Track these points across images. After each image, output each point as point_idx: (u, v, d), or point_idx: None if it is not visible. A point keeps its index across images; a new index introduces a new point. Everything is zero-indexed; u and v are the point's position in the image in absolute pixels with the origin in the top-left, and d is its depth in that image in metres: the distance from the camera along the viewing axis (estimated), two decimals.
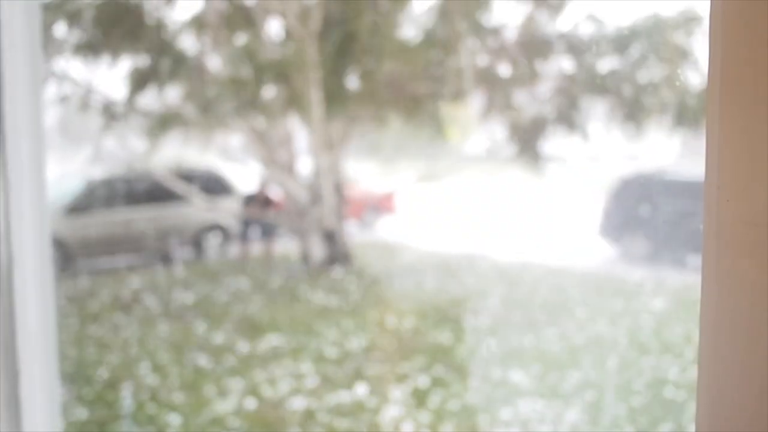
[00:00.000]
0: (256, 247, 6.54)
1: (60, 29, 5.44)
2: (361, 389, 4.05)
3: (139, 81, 5.67)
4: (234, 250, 6.54)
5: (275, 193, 6.46)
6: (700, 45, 4.53)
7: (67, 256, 5.73)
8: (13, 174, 1.53)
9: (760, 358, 0.59)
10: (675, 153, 5.47)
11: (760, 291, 0.59)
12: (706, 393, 0.63)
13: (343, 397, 3.99)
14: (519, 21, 5.24)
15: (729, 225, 0.60)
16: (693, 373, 3.70)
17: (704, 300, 0.63)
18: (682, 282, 4.66)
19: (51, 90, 5.55)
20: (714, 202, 0.61)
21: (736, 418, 0.62)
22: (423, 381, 4.07)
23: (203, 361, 4.46)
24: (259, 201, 6.45)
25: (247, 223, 6.46)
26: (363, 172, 6.69)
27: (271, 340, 4.69)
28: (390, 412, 3.84)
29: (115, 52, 5.59)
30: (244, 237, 6.50)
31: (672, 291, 4.72)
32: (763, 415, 0.60)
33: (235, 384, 4.15)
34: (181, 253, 6.25)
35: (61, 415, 1.69)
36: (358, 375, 4.22)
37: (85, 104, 5.80)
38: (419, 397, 3.92)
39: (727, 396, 0.62)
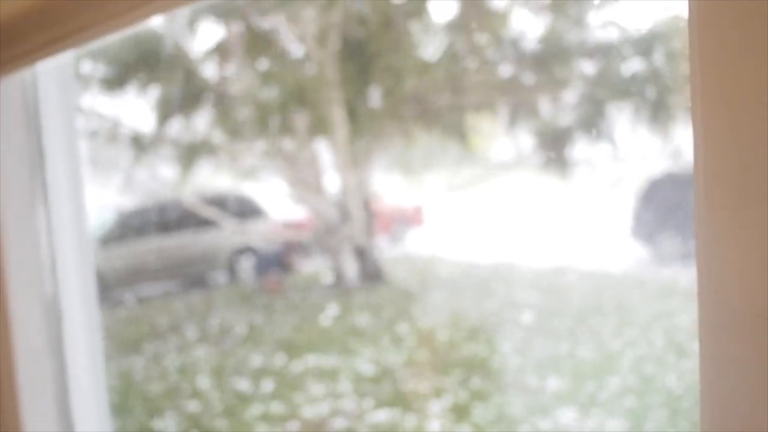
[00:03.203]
0: (289, 269, 6.56)
1: (86, 66, 5.56)
2: (399, 406, 4.05)
3: (166, 111, 5.76)
4: (267, 272, 6.58)
5: (304, 213, 6.50)
6: None
7: (103, 287, 5.81)
8: (55, 207, 1.57)
9: (759, 356, 0.59)
10: None
11: (754, 284, 0.59)
12: (708, 395, 0.63)
13: (382, 415, 3.99)
14: (539, 29, 5.25)
15: (718, 215, 0.61)
16: None
17: (701, 297, 0.63)
18: None
19: (80, 124, 5.66)
20: (702, 193, 0.62)
21: (738, 419, 0.62)
22: (462, 395, 4.06)
23: (243, 385, 4.49)
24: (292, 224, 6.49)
25: (276, 245, 6.50)
26: (390, 187, 6.70)
27: (308, 361, 4.71)
28: (430, 427, 3.83)
29: (141, 84, 5.69)
30: (276, 259, 6.54)
31: None
32: (763, 413, 0.60)
33: (276, 407, 4.17)
34: (215, 277, 6.31)
35: None
36: (396, 392, 4.22)
37: (113, 137, 5.90)
38: (458, 411, 3.91)
39: (729, 398, 0.62)
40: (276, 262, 6.37)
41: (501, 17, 5.31)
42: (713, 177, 0.60)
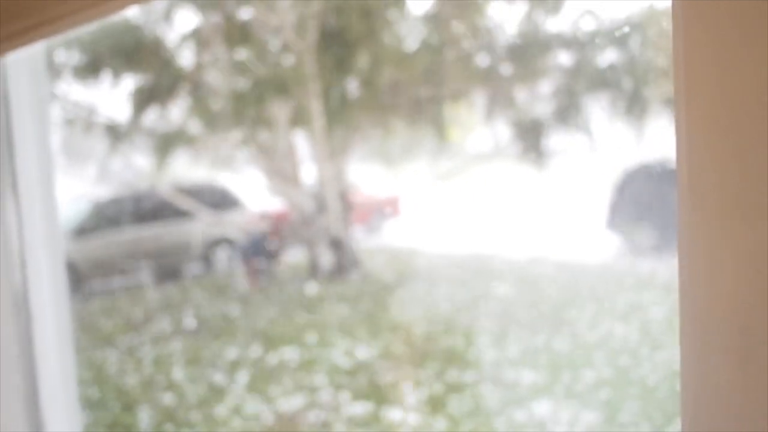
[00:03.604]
0: (273, 258, 6.53)
1: (60, 54, 5.48)
2: (375, 398, 4.05)
3: (142, 100, 5.70)
4: (250, 260, 6.55)
5: (280, 204, 6.47)
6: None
7: (76, 278, 5.75)
8: (25, 199, 1.54)
9: (741, 369, 0.59)
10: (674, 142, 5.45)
11: (735, 280, 0.59)
12: (690, 388, 0.63)
13: (358, 407, 3.99)
14: (516, 20, 5.25)
15: (701, 214, 0.60)
16: None
17: (682, 290, 0.63)
18: None
19: (54, 113, 5.58)
20: (686, 190, 0.61)
21: (719, 413, 0.62)
22: (437, 387, 4.07)
23: (218, 377, 4.47)
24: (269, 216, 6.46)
25: (254, 236, 6.46)
26: (367, 177, 6.69)
27: (284, 353, 4.69)
28: (407, 419, 3.84)
29: (116, 72, 5.62)
30: (252, 250, 6.51)
31: None
32: (745, 404, 0.60)
33: (251, 399, 4.15)
34: (190, 268, 6.26)
35: None
36: (372, 384, 4.22)
37: (88, 126, 5.83)
38: (434, 403, 3.92)
39: (709, 409, 0.62)
40: (260, 251, 6.32)
41: (478, 7, 5.31)
42: (697, 179, 0.60)
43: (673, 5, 0.61)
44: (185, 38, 5.68)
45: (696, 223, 0.60)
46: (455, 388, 4.04)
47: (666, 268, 4.88)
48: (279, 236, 6.32)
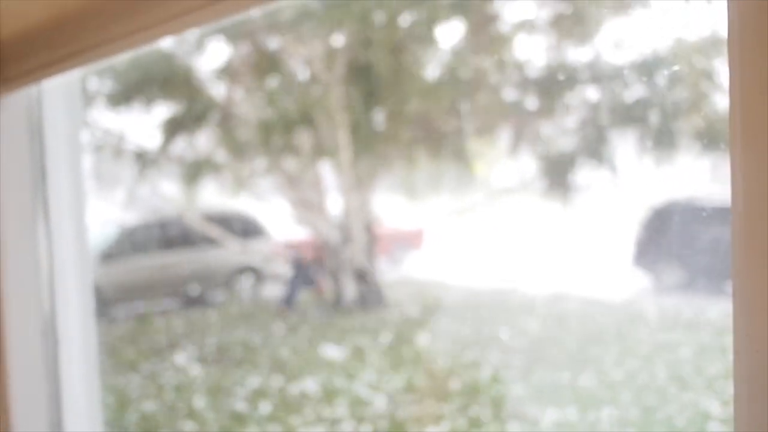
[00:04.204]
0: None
1: (93, 81, 5.58)
2: (397, 431, 4.01)
3: (172, 128, 5.78)
4: (266, 292, 6.56)
5: (305, 234, 6.49)
6: (724, 69, 4.51)
7: (102, 302, 5.79)
8: (56, 223, 1.56)
9: None
10: (704, 179, 5.41)
11: None
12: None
13: None
14: (543, 53, 5.26)
15: (755, 246, 0.59)
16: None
17: (737, 333, 0.62)
18: (719, 310, 4.57)
19: (85, 138, 5.67)
20: (741, 232, 0.60)
21: None
22: (460, 422, 4.03)
23: (240, 405, 4.46)
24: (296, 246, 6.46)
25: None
26: (391, 209, 6.70)
27: (307, 384, 4.67)
28: None
29: (148, 100, 5.72)
30: (277, 279, 6.52)
31: (709, 320, 4.63)
32: None
33: (273, 428, 4.13)
34: (215, 296, 6.28)
35: None
36: (394, 417, 4.18)
37: (118, 152, 5.92)
38: None
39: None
40: (307, 279, 6.31)
41: (505, 41, 5.33)
42: (752, 222, 0.59)
43: (729, 40, 0.60)
44: (216, 68, 5.76)
45: (751, 267, 0.59)
46: (478, 424, 4.00)
47: (691, 307, 4.81)
48: (320, 264, 6.31)
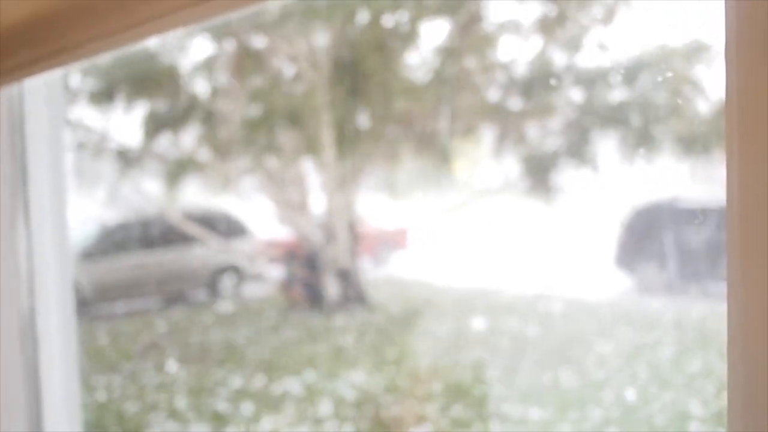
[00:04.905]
0: (271, 288, 6.52)
1: (74, 79, 5.53)
2: (380, 431, 4.01)
3: (154, 126, 5.74)
4: (249, 291, 6.53)
5: (288, 233, 6.47)
6: (707, 74, 4.55)
7: (82, 301, 5.74)
8: (36, 222, 1.54)
9: None
10: (685, 180, 5.45)
11: None
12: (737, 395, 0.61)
13: None
14: (528, 55, 5.28)
15: (751, 258, 0.59)
16: (717, 405, 3.64)
17: (731, 334, 0.61)
18: (700, 311, 4.61)
19: (67, 136, 5.62)
20: (736, 233, 0.60)
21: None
22: (443, 422, 4.03)
23: (222, 406, 4.44)
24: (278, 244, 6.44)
25: (262, 264, 6.46)
26: (375, 209, 6.69)
27: (289, 383, 4.66)
28: None
29: (130, 98, 5.67)
30: (259, 278, 6.50)
31: (690, 321, 4.67)
32: None
33: (255, 428, 4.12)
34: (196, 295, 6.25)
35: None
36: (377, 417, 4.18)
37: (99, 150, 5.87)
38: None
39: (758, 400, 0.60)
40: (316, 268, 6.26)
41: (490, 42, 5.35)
42: (748, 222, 0.58)
43: (727, 40, 0.60)
44: (199, 66, 5.73)
45: (746, 269, 0.59)
46: (460, 423, 4.00)
47: (672, 307, 4.85)
48: (302, 264, 6.27)
